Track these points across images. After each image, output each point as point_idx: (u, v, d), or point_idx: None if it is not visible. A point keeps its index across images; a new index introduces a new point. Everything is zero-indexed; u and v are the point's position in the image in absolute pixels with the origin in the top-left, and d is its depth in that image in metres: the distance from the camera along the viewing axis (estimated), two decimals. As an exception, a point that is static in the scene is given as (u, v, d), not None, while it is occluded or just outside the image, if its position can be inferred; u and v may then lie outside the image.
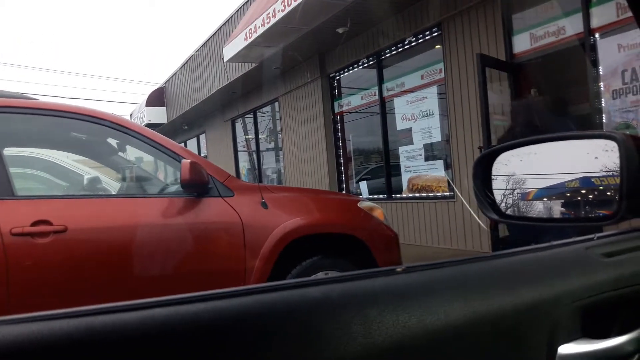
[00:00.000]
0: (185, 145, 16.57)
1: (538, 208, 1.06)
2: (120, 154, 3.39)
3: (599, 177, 0.94)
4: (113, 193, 3.66)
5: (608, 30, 4.82)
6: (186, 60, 14.03)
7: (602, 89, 4.88)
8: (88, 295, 2.43)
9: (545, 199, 1.04)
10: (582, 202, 1.00)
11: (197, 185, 2.76)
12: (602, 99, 4.87)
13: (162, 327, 0.44)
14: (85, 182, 4.10)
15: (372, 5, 6.84)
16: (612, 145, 0.85)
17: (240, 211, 2.85)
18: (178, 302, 0.46)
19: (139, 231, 2.64)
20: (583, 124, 5.16)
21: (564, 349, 0.58)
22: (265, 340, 0.47)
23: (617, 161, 0.83)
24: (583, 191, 0.99)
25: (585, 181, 0.96)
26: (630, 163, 0.80)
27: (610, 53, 4.78)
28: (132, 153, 3.43)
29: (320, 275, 2.94)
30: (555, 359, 0.58)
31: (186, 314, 0.45)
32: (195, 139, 16.65)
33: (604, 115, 4.86)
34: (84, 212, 2.61)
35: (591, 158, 0.91)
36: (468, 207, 6.05)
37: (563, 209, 1.05)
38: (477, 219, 5.82)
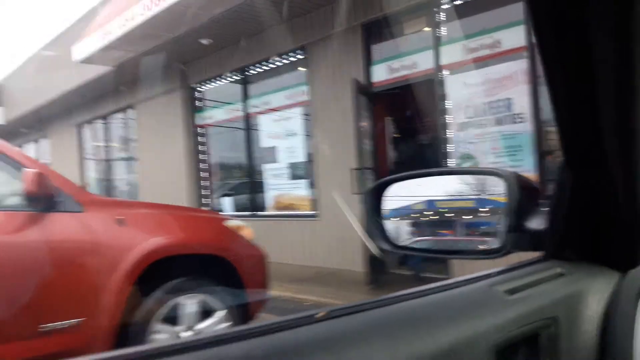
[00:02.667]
0: (21, 149, 14.84)
1: (425, 235, 1.09)
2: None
3: (483, 211, 0.99)
4: None
5: (455, 68, 5.33)
6: (29, 57, 12.65)
7: (449, 121, 5.37)
8: None
9: (398, 218, 1.08)
10: (465, 227, 1.05)
11: (42, 198, 2.45)
12: (450, 130, 5.35)
13: None
14: None
15: (238, 21, 6.80)
16: (498, 182, 0.90)
17: (92, 228, 2.59)
18: None
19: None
20: (432, 152, 5.62)
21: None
22: None
23: (502, 197, 0.88)
24: (465, 219, 1.04)
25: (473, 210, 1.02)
26: (515, 199, 0.85)
27: (457, 89, 5.29)
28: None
29: (184, 298, 2.76)
30: None
31: None
32: (34, 143, 15.03)
33: (452, 145, 5.34)
34: None
35: (477, 193, 0.96)
36: (362, 229, 6.20)
37: (447, 236, 1.10)
38: (370, 248, 5.99)
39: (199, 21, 6.76)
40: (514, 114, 4.80)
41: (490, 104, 4.99)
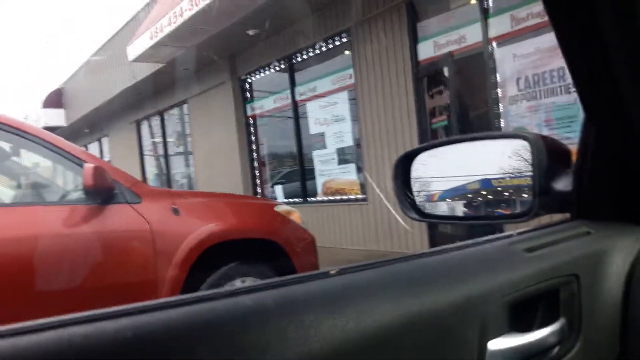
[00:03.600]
0: (87, 149, 15.66)
1: (454, 207, 1.09)
2: (14, 158, 3.12)
3: (511, 176, 0.98)
4: (6, 202, 3.35)
5: (504, 39, 5.16)
6: (87, 60, 13.26)
7: (499, 95, 5.22)
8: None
9: (453, 199, 1.07)
10: (495, 202, 1.04)
11: (101, 191, 2.59)
12: (501, 104, 5.20)
13: (80, 348, 0.38)
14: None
15: (282, 9, 6.84)
16: (525, 145, 0.89)
17: (149, 218, 2.71)
18: (97, 319, 0.42)
19: (37, 243, 2.43)
20: (485, 127, 5.49)
21: (493, 344, 0.59)
22: (195, 356, 0.43)
23: (530, 160, 0.87)
24: (495, 190, 1.03)
25: (497, 181, 1.01)
26: (541, 162, 0.84)
27: (507, 61, 5.13)
28: (28, 158, 3.17)
29: (238, 282, 2.87)
30: (486, 354, 0.59)
31: (106, 331, 0.41)
32: (98, 142, 15.79)
33: (502, 119, 5.20)
34: (-29, 223, 2.36)
35: (505, 158, 0.95)
36: (390, 208, 6.20)
37: (476, 208, 1.09)
38: (400, 219, 5.99)
39: (245, 12, 6.87)
40: (567, 84, 4.60)
41: (542, 75, 4.80)
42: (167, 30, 7.57)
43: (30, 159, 3.16)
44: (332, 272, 0.57)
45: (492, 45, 5.27)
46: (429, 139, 6.27)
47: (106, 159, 14.50)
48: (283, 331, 0.47)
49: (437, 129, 5.96)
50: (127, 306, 0.44)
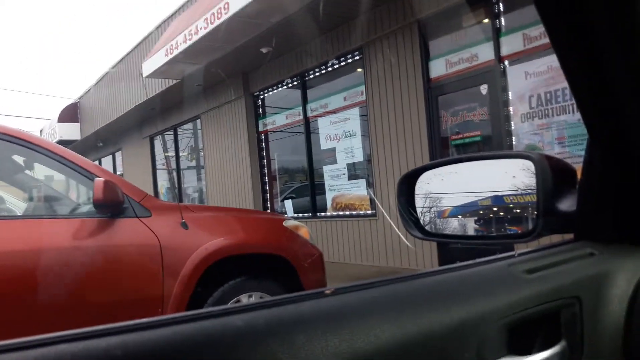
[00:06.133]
0: (100, 163, 15.82)
1: (459, 226, 1.08)
2: (27, 172, 3.16)
3: (515, 195, 0.97)
4: (19, 214, 3.39)
5: (516, 58, 5.16)
6: (102, 75, 13.46)
7: (511, 112, 5.20)
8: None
9: (460, 217, 1.06)
10: (499, 220, 1.03)
11: (111, 205, 2.61)
12: (513, 122, 5.18)
13: None
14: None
15: (295, 27, 6.91)
16: (529, 165, 0.88)
17: (158, 232, 2.72)
18: (85, 337, 0.41)
19: (47, 255, 2.44)
20: (496, 145, 5.46)
21: (491, 367, 0.58)
22: None
23: (534, 180, 0.87)
24: (499, 209, 1.02)
25: (501, 200, 1.00)
26: (546, 182, 0.83)
27: (518, 79, 5.12)
28: (40, 171, 3.20)
29: (244, 297, 2.86)
30: None
31: (95, 349, 0.40)
32: (111, 156, 15.95)
33: (513, 137, 5.17)
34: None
35: (509, 177, 0.94)
36: (393, 225, 6.18)
37: (479, 227, 1.08)
38: (402, 237, 5.96)
39: (258, 30, 6.96)
40: (580, 102, 4.57)
41: (554, 93, 4.79)
42: (182, 47, 7.68)
43: (43, 172, 3.20)
44: (327, 291, 0.57)
45: (504, 64, 5.26)
46: (440, 157, 6.25)
47: (119, 172, 14.64)
48: (274, 353, 0.46)
49: (448, 147, 5.94)
50: (116, 324, 0.44)
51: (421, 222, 1.01)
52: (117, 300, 2.56)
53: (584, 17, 0.61)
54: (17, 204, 3.63)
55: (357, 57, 7.07)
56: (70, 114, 15.14)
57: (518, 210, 0.94)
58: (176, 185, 12.27)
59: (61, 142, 13.21)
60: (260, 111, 9.24)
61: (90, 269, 2.53)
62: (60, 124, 15.00)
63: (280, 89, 8.72)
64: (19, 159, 3.06)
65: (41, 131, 16.94)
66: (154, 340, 0.43)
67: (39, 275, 2.38)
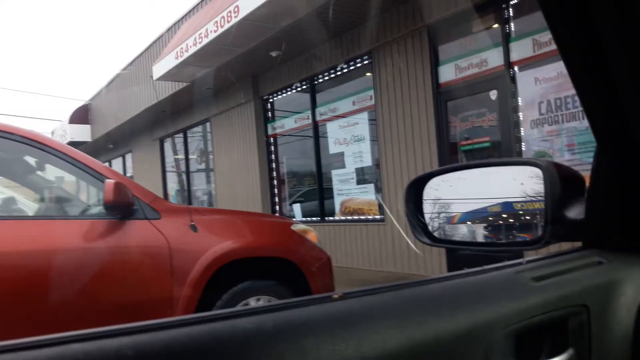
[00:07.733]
0: (110, 164, 15.93)
1: (467, 233, 1.08)
2: (38, 172, 3.19)
3: (523, 202, 0.97)
4: (29, 214, 3.42)
5: (526, 63, 5.15)
6: (113, 77, 13.57)
7: (521, 118, 5.18)
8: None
9: (469, 223, 1.06)
10: (507, 227, 1.03)
11: (122, 206, 2.63)
12: (522, 128, 5.16)
13: None
14: (-2, 202, 3.81)
15: (305, 31, 6.94)
16: (537, 172, 0.88)
17: (167, 234, 2.74)
18: (98, 337, 0.42)
19: (57, 256, 2.47)
20: (505, 151, 5.44)
21: (497, 373, 0.58)
22: None
23: (542, 187, 0.87)
24: (507, 216, 1.02)
25: (509, 206, 1.00)
26: (554, 189, 0.84)
27: (528, 85, 5.10)
28: (52, 172, 3.24)
29: (252, 300, 2.87)
30: None
31: (107, 349, 0.41)
32: (121, 158, 16.05)
33: (523, 143, 5.15)
34: (-4, 235, 2.41)
35: (517, 184, 0.95)
36: (402, 231, 6.17)
37: (488, 234, 1.08)
38: (411, 243, 5.95)
39: (268, 34, 6.99)
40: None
41: (564, 99, 4.76)
42: (193, 50, 7.72)
43: (54, 173, 3.23)
44: (335, 296, 0.58)
45: (513, 69, 5.25)
46: (449, 162, 6.23)
47: (129, 174, 14.73)
48: (282, 355, 0.47)
49: (457, 152, 5.93)
50: (128, 325, 0.45)
51: (429, 228, 1.02)
52: (126, 302, 2.58)
53: (590, 22, 0.61)
54: (28, 204, 3.67)
55: (366, 62, 7.08)
56: (81, 115, 15.26)
57: (526, 218, 0.94)
58: (186, 188, 12.32)
59: (72, 144, 13.31)
60: (270, 115, 9.27)
61: (99, 270, 2.55)
62: (71, 126, 15.13)
63: (289, 93, 8.74)
64: (30, 160, 3.09)
65: (52, 132, 17.09)
66: (165, 341, 0.44)
67: (49, 275, 2.40)
